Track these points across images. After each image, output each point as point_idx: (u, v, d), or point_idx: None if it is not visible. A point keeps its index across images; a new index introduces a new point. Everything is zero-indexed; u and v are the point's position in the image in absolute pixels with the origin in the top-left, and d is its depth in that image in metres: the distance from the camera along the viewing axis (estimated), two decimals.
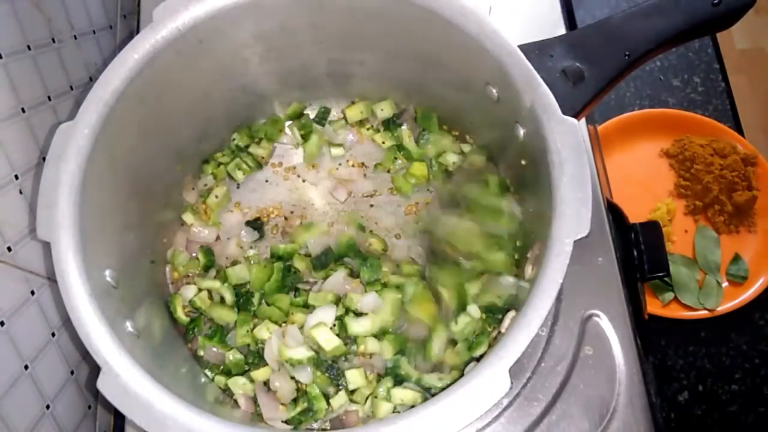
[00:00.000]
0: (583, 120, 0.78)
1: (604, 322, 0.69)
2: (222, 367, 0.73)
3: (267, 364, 0.71)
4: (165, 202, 0.78)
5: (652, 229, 0.76)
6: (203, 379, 0.72)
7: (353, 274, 0.76)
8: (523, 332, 0.53)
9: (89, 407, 0.73)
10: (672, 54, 1.13)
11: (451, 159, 0.81)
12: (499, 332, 0.64)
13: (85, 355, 0.68)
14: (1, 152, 0.62)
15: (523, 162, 0.67)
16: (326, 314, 0.71)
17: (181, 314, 0.74)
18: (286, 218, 0.82)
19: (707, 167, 1.02)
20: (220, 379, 0.72)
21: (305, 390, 0.70)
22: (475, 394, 0.52)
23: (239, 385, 0.71)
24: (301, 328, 0.72)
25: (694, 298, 0.97)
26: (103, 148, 0.61)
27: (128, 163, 0.67)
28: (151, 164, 0.72)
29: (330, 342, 0.68)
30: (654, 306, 0.97)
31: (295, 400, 0.70)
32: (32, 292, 0.65)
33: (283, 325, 0.73)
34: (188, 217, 0.80)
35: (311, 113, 0.85)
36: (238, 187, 0.83)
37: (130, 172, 0.68)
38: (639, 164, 1.07)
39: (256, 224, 0.80)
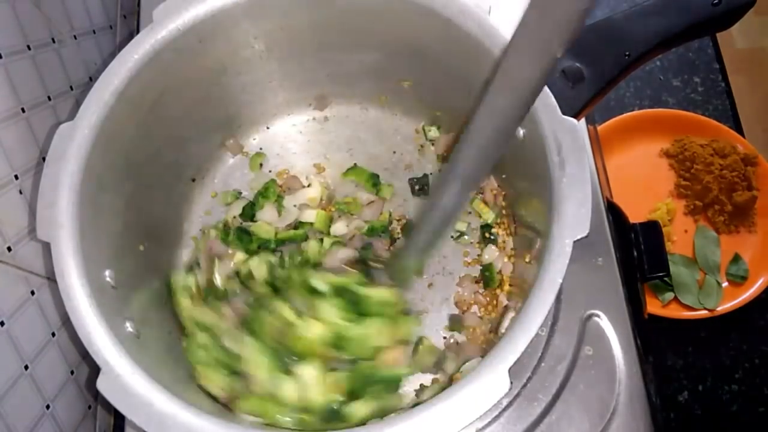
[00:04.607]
0: (583, 120, 0.78)
1: (604, 322, 0.69)
2: None
3: None
4: (165, 201, 0.78)
5: (652, 229, 0.76)
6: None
7: None
8: (522, 332, 0.53)
9: (89, 407, 0.73)
10: (672, 54, 1.13)
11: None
12: (500, 332, 0.64)
13: (85, 355, 0.68)
14: (1, 152, 0.62)
15: (523, 162, 0.67)
16: None
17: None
18: None
19: (707, 167, 1.02)
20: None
21: None
22: (475, 394, 0.52)
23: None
24: None
25: (694, 298, 0.97)
26: (103, 148, 0.61)
27: (128, 163, 0.67)
28: (151, 164, 0.71)
29: None
30: (654, 306, 0.97)
31: None
32: (32, 292, 0.64)
33: None
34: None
35: (311, 114, 0.85)
36: None
37: (130, 172, 0.68)
38: (639, 164, 1.07)
39: None
